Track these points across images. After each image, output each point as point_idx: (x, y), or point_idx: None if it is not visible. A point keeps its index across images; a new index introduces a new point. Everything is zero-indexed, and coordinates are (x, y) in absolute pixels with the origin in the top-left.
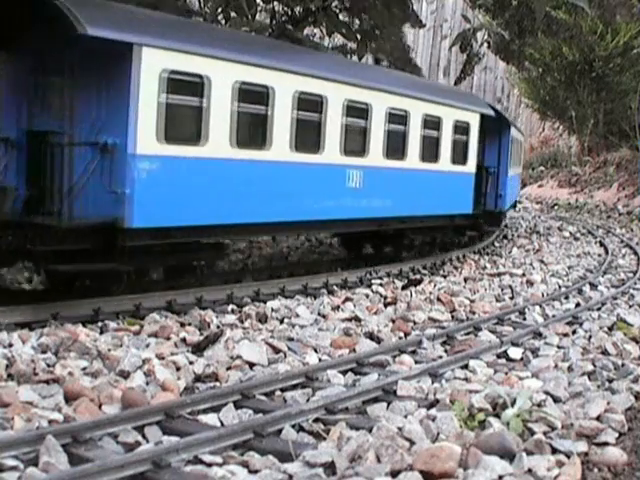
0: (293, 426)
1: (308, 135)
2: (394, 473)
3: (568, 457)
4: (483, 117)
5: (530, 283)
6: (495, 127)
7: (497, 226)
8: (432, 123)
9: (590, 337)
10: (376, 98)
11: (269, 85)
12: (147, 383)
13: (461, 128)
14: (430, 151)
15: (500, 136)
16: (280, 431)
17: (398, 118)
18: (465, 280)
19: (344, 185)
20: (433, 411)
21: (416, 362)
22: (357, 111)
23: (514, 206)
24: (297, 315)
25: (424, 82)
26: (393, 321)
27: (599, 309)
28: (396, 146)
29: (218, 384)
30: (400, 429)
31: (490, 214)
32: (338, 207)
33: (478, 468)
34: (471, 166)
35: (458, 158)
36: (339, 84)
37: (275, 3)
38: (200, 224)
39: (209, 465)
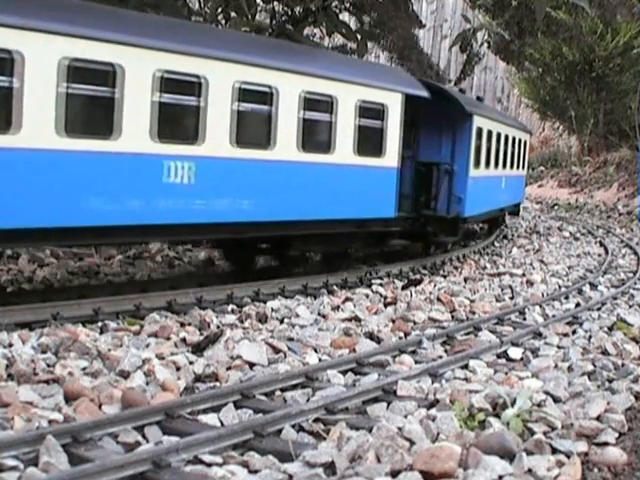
0: (293, 426)
1: (90, 115)
2: (394, 473)
3: (568, 457)
4: (415, 100)
5: (530, 283)
6: (449, 115)
7: (454, 235)
8: (319, 103)
9: (590, 337)
10: (214, 69)
11: (14, 50)
12: (147, 383)
13: (372, 111)
14: (317, 139)
15: (455, 127)
16: (280, 431)
17: (256, 96)
18: (465, 280)
19: (160, 181)
20: (433, 411)
21: (416, 362)
22: (181, 86)
23: (515, 213)
24: (297, 315)
25: (309, 50)
26: (393, 321)
27: (599, 309)
28: (255, 131)
29: (218, 384)
30: (400, 429)
31: (442, 220)
32: (149, 210)
33: (478, 468)
34: (391, 159)
35: (368, 149)
36: (146, 50)
37: (275, 3)
38: None
39: (209, 465)
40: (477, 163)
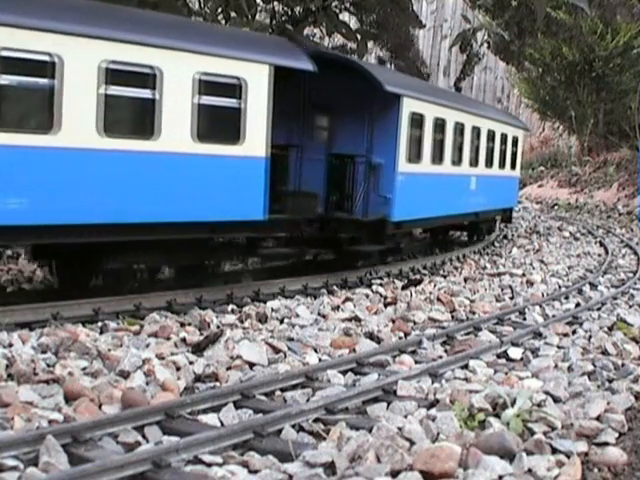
0: (293, 426)
1: None
2: (394, 473)
3: (568, 457)
4: (321, 77)
5: (530, 283)
6: (368, 97)
7: (379, 243)
8: (131, 76)
9: (590, 337)
10: None
11: None
12: (147, 383)
13: (221, 87)
14: (129, 121)
15: (375, 111)
16: (280, 431)
17: (29, 66)
18: (465, 280)
19: None
20: (433, 411)
21: (416, 362)
22: None
23: (507, 219)
24: (297, 315)
25: (117, 9)
26: (393, 321)
27: (599, 309)
28: (27, 111)
29: (218, 384)
30: (400, 429)
31: (362, 225)
32: None
33: (478, 468)
34: (255, 147)
35: (216, 134)
36: None
37: (275, 3)
38: None
39: (209, 465)
40: (415, 157)
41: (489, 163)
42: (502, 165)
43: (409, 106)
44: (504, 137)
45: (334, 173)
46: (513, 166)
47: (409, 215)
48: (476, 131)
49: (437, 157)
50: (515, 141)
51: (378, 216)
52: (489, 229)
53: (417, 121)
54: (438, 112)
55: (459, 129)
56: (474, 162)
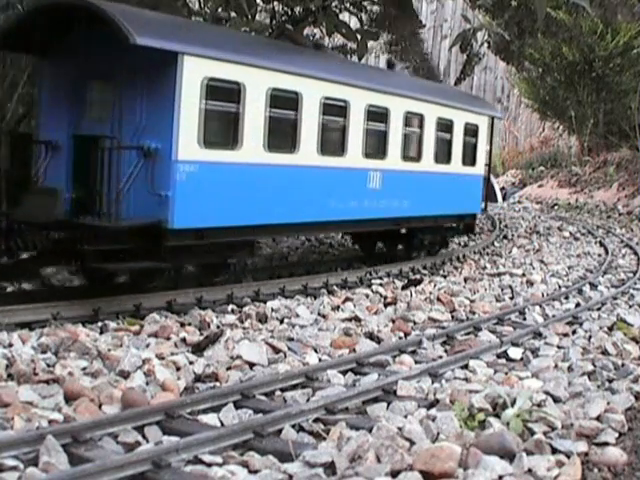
0: (293, 426)
1: None
2: (394, 473)
3: (568, 457)
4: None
5: (530, 283)
6: (122, 55)
7: (158, 260)
8: None
9: (590, 337)
10: None
11: None
12: (147, 383)
13: None
14: None
15: (127, 75)
16: (280, 431)
17: None
18: (465, 280)
19: None
20: (433, 411)
21: (416, 362)
22: None
23: (467, 229)
24: (297, 315)
25: None
26: (393, 321)
27: (599, 309)
28: None
29: (218, 384)
30: (400, 429)
31: (110, 232)
32: None
33: (478, 468)
34: None
35: None
36: None
37: (275, 3)
38: None
39: (209, 465)
40: (222, 141)
41: (416, 155)
42: (445, 160)
43: (200, 69)
44: (446, 124)
45: (79, 162)
46: (470, 162)
47: (214, 221)
48: (380, 112)
49: (280, 143)
50: (473, 130)
51: (148, 221)
52: (441, 240)
53: (225, 91)
54: (279, 82)
55: (336, 107)
56: (378, 153)
